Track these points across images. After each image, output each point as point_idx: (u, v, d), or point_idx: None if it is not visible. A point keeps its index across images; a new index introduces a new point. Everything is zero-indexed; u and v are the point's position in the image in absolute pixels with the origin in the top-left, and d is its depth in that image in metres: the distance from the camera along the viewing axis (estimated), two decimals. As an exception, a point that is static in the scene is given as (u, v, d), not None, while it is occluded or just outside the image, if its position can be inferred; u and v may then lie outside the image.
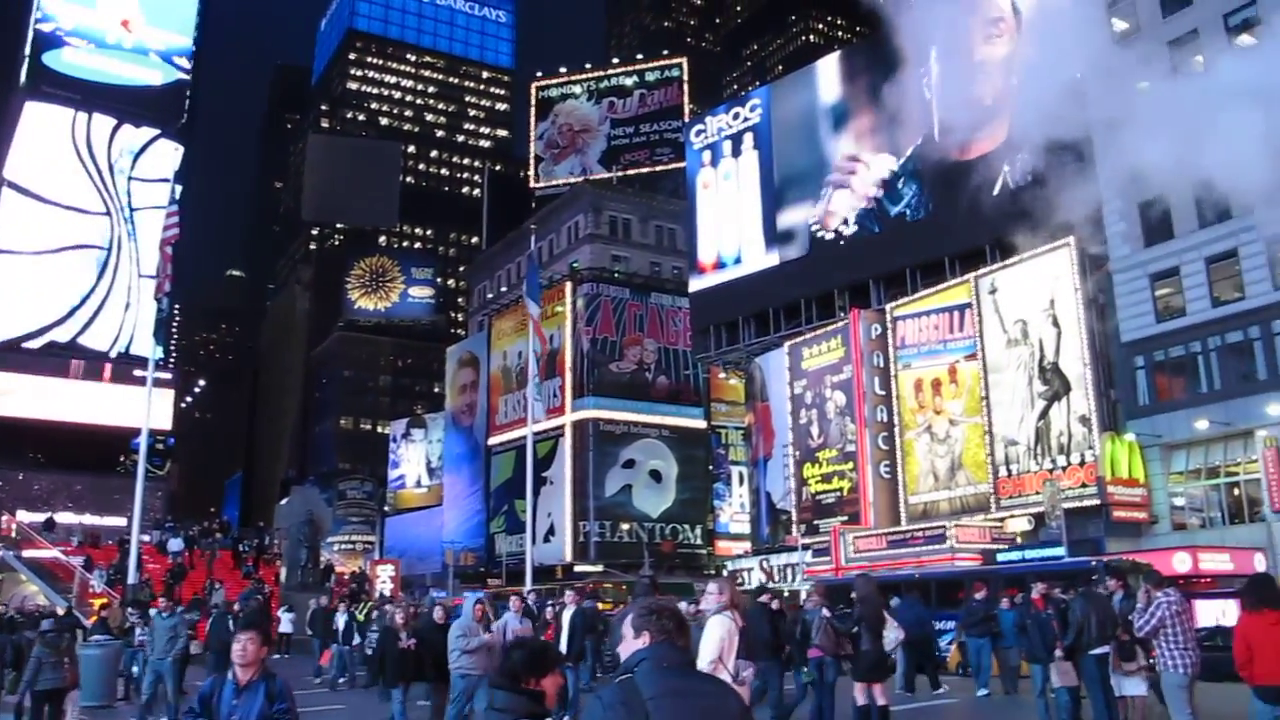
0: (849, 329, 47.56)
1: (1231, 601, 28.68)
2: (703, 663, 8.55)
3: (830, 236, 53.25)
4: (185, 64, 71.20)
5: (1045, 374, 40.37)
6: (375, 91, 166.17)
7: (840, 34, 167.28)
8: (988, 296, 42.77)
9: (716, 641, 8.83)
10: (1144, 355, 39.64)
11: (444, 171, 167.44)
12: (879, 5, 46.15)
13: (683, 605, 11.44)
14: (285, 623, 35.08)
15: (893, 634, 14.03)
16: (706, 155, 62.06)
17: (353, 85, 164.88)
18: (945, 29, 42.98)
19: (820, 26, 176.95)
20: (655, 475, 67.02)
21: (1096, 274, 40.77)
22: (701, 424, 66.82)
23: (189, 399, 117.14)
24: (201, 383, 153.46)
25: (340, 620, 27.19)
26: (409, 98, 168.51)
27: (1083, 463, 38.65)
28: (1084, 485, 38.33)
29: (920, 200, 49.36)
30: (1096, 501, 37.90)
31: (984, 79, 45.59)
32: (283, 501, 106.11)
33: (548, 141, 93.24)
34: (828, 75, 56.61)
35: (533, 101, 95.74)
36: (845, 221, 52.71)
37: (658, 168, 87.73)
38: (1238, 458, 37.18)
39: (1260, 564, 34.19)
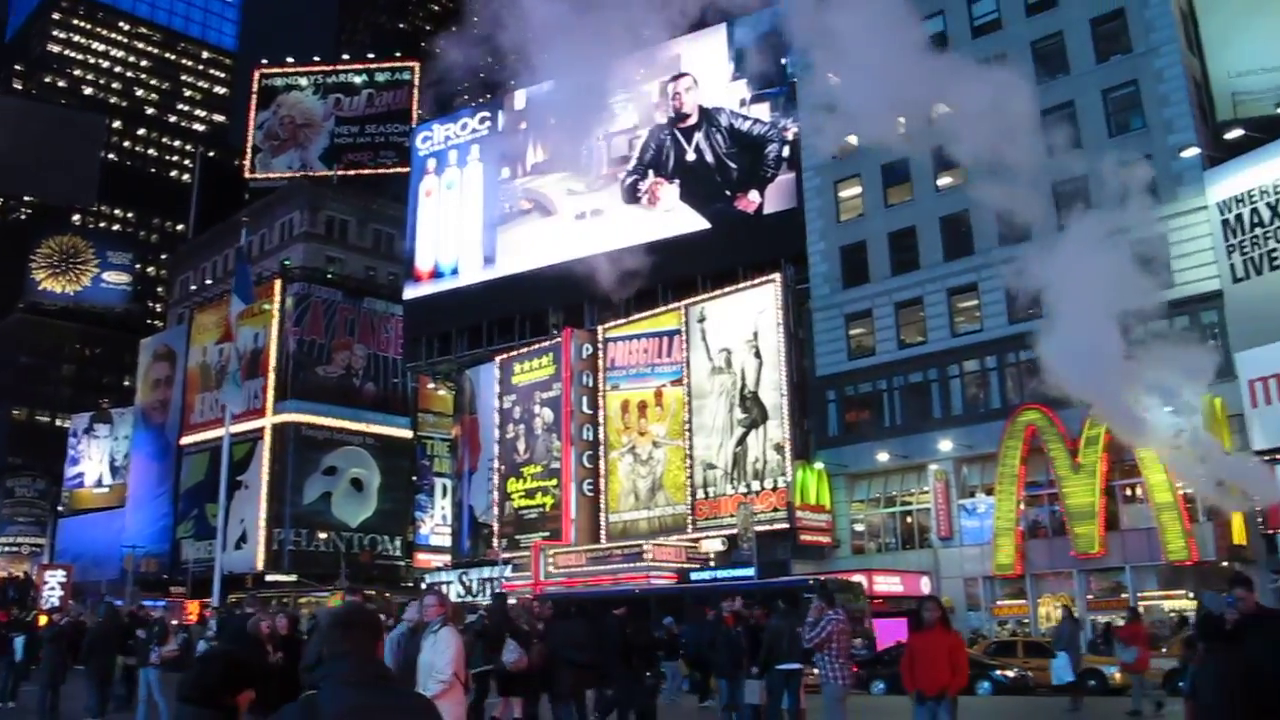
0: (561, 347, 48.01)
1: (900, 619, 30.89)
2: (445, 675, 8.45)
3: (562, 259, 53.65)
4: None
5: (745, 402, 42.07)
6: (80, 58, 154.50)
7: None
8: (696, 325, 44.20)
9: (453, 655, 8.64)
10: (835, 389, 42.02)
11: (151, 152, 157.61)
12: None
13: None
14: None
15: (511, 654, 13.63)
16: (432, 163, 61.32)
17: (54, 48, 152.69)
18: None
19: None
20: (357, 484, 65.24)
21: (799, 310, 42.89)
22: (408, 434, 65.64)
23: None
24: None
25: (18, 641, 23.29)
26: (118, 69, 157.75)
27: (775, 488, 40.48)
28: (775, 510, 40.15)
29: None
30: (786, 525, 39.77)
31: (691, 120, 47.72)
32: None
33: (267, 132, 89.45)
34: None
35: (255, 89, 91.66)
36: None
37: (381, 170, 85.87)
38: (912, 489, 39.98)
39: (926, 586, 36.89)
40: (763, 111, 47.54)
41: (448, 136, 60.93)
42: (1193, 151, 34.83)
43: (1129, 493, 34.80)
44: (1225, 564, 31.19)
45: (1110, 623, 30.27)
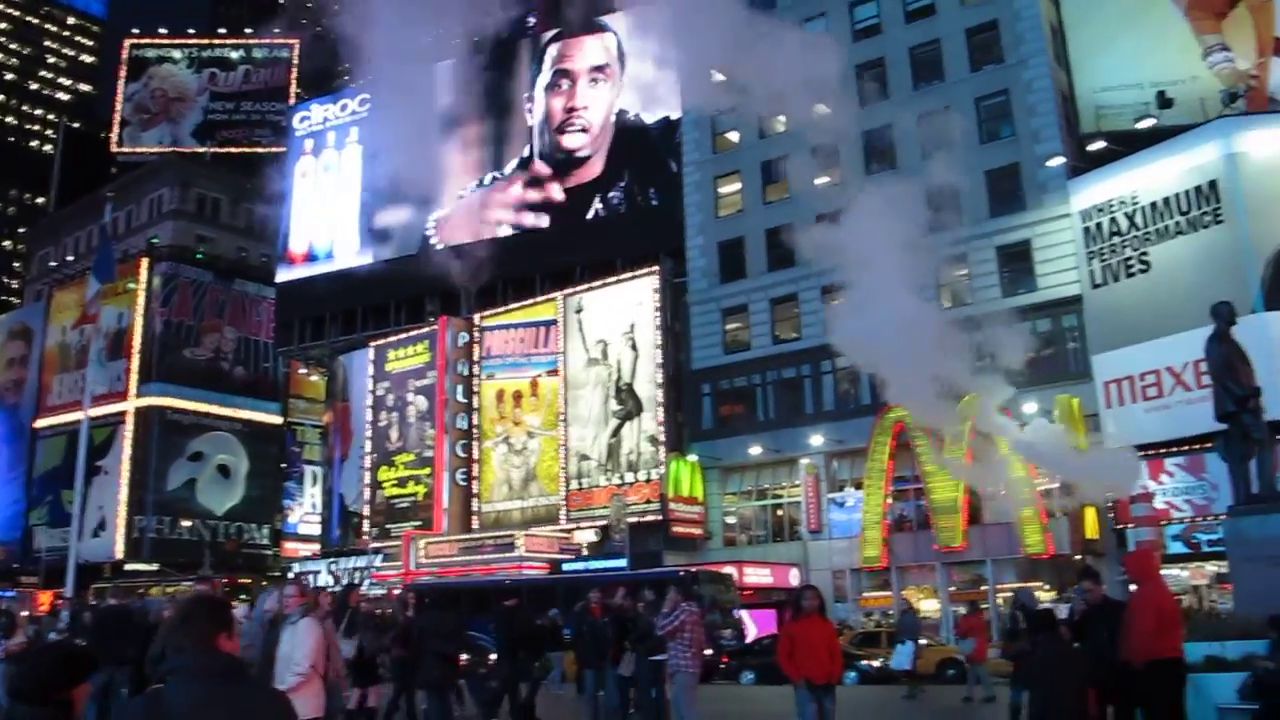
0: (436, 335, 47.51)
1: (770, 611, 31.38)
2: (303, 668, 8.25)
3: (439, 244, 53.16)
4: None
5: (621, 394, 42.22)
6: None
7: (458, 41, 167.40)
8: (574, 315, 44.19)
9: (312, 647, 8.42)
10: (710, 383, 42.41)
11: (10, 120, 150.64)
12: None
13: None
14: None
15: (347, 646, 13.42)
16: (309, 143, 60.06)
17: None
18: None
19: (441, 31, 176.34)
20: (223, 470, 63.60)
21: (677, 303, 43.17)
22: (278, 419, 64.12)
23: None
24: None
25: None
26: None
27: (649, 480, 40.72)
28: (649, 501, 40.40)
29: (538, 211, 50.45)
30: (659, 517, 40.03)
31: (589, 116, 47.90)
32: None
33: (137, 105, 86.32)
34: (443, 79, 56.43)
35: (124, 59, 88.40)
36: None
37: (256, 149, 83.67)
38: (783, 482, 40.58)
39: (795, 578, 37.53)
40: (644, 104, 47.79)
41: (326, 117, 59.77)
42: (1058, 161, 36.08)
43: (992, 489, 35.84)
44: (1078, 557, 32.40)
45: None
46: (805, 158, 41.68)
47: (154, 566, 58.00)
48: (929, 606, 36.51)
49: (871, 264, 20.17)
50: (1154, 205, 33.71)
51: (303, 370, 62.18)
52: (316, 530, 57.74)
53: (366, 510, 49.59)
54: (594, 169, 48.78)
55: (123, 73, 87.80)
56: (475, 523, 45.41)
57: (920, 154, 39.36)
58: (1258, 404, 16.32)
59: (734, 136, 44.31)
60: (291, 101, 75.94)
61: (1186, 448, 31.46)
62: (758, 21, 43.71)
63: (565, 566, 39.29)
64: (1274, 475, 16.67)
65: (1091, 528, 33.49)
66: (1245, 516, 15.62)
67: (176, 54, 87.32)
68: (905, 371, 20.41)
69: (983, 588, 35.47)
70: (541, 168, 50.02)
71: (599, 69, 49.99)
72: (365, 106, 58.15)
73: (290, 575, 48.49)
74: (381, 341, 50.95)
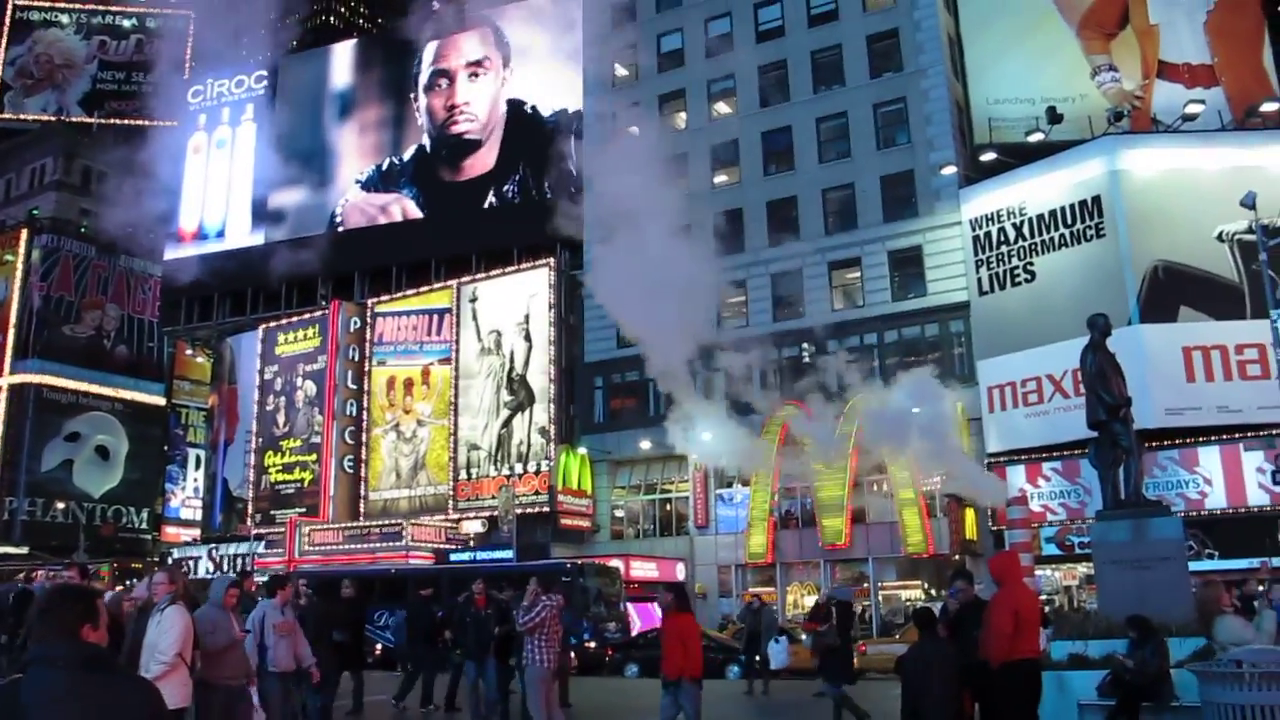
0: (328, 319, 46.69)
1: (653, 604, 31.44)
2: (167, 657, 8.08)
3: (341, 225, 52.41)
4: None
5: (513, 385, 41.98)
6: None
7: (362, 22, 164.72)
8: (468, 304, 43.80)
9: (178, 635, 8.20)
10: (603, 376, 42.43)
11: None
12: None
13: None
14: None
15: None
16: (202, 118, 58.66)
17: None
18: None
19: (343, 10, 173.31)
20: (102, 452, 61.62)
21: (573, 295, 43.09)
22: (160, 401, 62.38)
23: None
24: None
25: None
26: None
27: (538, 471, 40.58)
28: (537, 493, 40.25)
29: (418, 203, 49.92)
30: (547, 509, 39.94)
31: (473, 109, 47.89)
32: None
33: (20, 69, 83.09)
34: (342, 61, 55.60)
35: (7, 20, 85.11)
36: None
37: (146, 122, 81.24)
38: (672, 477, 40.76)
39: (680, 573, 37.76)
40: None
41: (221, 93, 58.40)
42: (951, 170, 36.85)
43: (876, 488, 36.51)
44: (957, 557, 33.16)
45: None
46: (704, 155, 42.12)
47: (24, 550, 55.99)
48: (811, 603, 37.01)
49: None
50: (1040, 217, 34.65)
51: (188, 351, 60.60)
52: (198, 515, 56.39)
53: (251, 496, 48.55)
54: (488, 159, 48.68)
55: (4, 34, 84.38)
56: (362, 510, 44.76)
57: (818, 156, 40.00)
58: (1128, 413, 16.84)
59: (635, 131, 44.37)
60: (186, 75, 73.84)
61: (1063, 453, 32.42)
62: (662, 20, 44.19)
63: (452, 557, 38.99)
64: (1140, 482, 17.24)
65: (971, 528, 34.33)
66: (1110, 521, 16.10)
67: (65, 19, 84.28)
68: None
69: (864, 585, 36.10)
70: (436, 160, 49.64)
71: (476, 63, 49.95)
72: (262, 85, 56.94)
73: (169, 560, 47.36)
74: (271, 324, 49.92)
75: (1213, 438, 31.89)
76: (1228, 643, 9.81)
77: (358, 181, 52.83)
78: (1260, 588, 14.41)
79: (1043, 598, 32.74)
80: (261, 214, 54.32)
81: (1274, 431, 29.33)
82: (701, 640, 11.40)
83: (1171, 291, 32.48)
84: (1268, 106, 35.55)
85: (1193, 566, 29.18)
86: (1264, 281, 22.48)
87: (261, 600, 12.28)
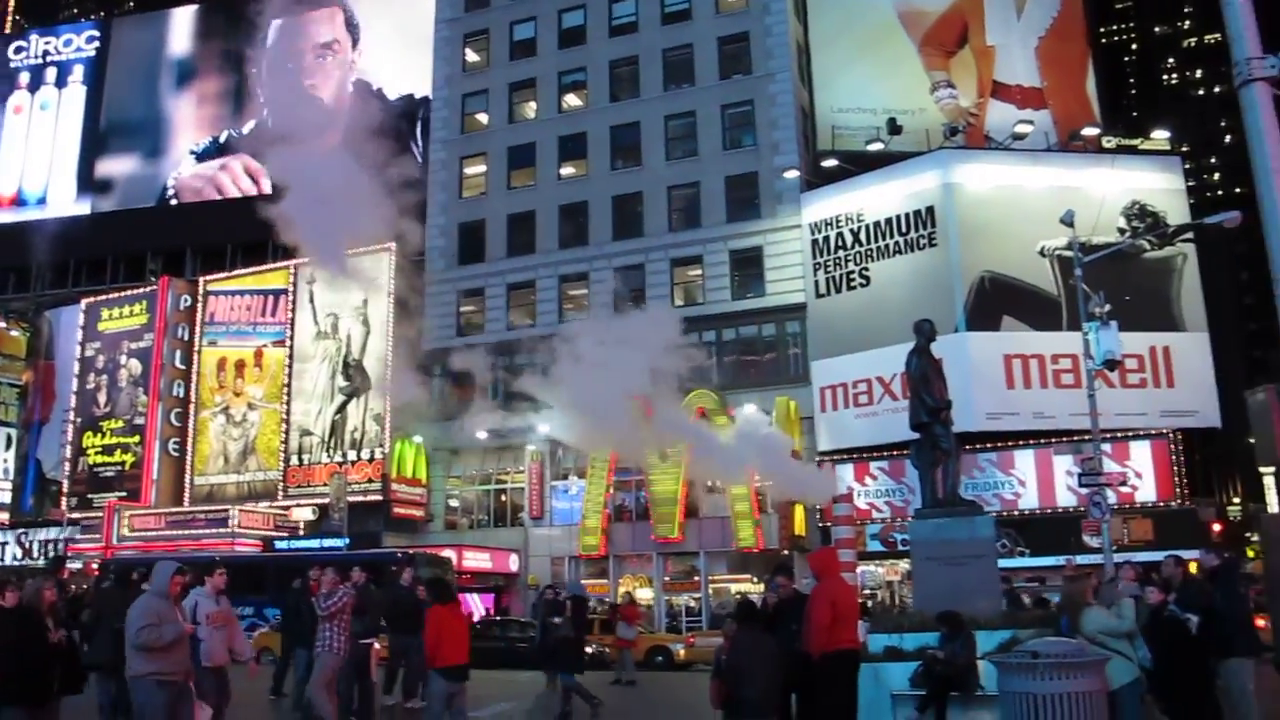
0: (157, 296, 44.87)
1: (488, 595, 31.26)
2: None
3: (174, 199, 50.38)
4: None
5: (349, 370, 41.14)
6: None
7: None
8: (305, 286, 42.69)
9: None
10: (442, 365, 41.85)
11: None
12: None
13: None
14: None
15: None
16: (25, 77, 55.56)
17: None
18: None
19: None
20: (-98, 427, 57.92)
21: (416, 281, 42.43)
22: (-30, 375, 59.05)
23: None
24: None
25: None
26: None
27: (372, 459, 39.86)
28: (370, 481, 39.54)
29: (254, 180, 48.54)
30: (380, 497, 39.25)
31: (317, 90, 47.00)
32: None
33: None
34: (181, 27, 53.51)
35: None
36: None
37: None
38: (509, 467, 40.50)
39: (514, 563, 37.64)
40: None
41: (47, 51, 55.43)
42: (793, 174, 37.63)
43: (710, 484, 36.98)
44: (786, 552, 33.90)
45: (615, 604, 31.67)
46: (552, 147, 42.02)
47: None
48: (644, 595, 37.37)
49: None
50: (877, 224, 35.69)
51: (2, 324, 57.37)
52: (7, 498, 53.43)
53: (66, 478, 46.28)
54: (331, 141, 47.54)
55: None
56: (187, 496, 43.19)
57: (666, 154, 40.33)
58: (948, 416, 17.49)
59: (483, 118, 44.00)
60: (7, 28, 70.01)
61: (890, 453, 33.47)
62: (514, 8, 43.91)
63: (278, 544, 37.97)
64: (957, 483, 17.91)
65: (800, 524, 35.13)
66: (927, 520, 16.70)
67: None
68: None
69: (695, 578, 36.61)
70: (274, 138, 48.27)
71: (325, 45, 48.85)
72: (93, 45, 54.35)
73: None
74: (95, 299, 47.67)
75: (1028, 442, 33.45)
76: (1095, 633, 10.30)
77: (193, 153, 50.95)
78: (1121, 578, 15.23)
79: (866, 592, 33.83)
80: (88, 182, 51.86)
81: (1083, 437, 30.90)
82: (469, 630, 11.12)
83: (996, 301, 33.88)
84: (1089, 131, 37.45)
85: (1004, 564, 30.64)
86: (1079, 296, 23.57)
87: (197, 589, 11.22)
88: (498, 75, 43.92)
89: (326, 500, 38.69)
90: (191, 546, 37.71)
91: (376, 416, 40.20)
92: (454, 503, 41.88)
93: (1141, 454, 33.30)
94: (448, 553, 34.39)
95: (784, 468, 29.70)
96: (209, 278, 45.59)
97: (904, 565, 33.08)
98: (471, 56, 45.15)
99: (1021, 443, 33.69)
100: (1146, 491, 33.06)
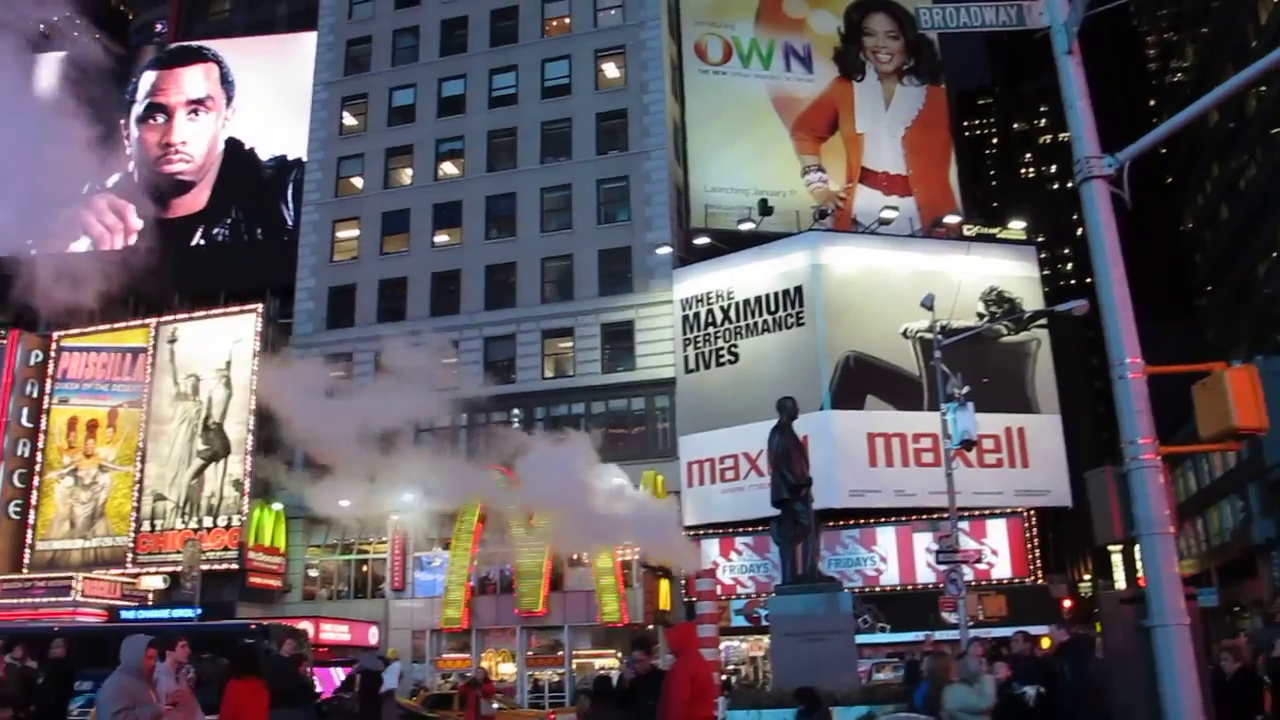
0: (4, 349, 42.98)
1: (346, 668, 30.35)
2: None
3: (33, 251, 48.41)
4: None
5: (209, 433, 39.92)
6: None
7: (75, 33, 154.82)
8: (166, 345, 41.44)
9: None
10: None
11: None
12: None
13: None
14: None
15: None
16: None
17: None
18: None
19: (55, 17, 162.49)
20: None
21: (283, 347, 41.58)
22: None
23: None
24: None
25: None
26: None
27: (229, 526, 38.64)
28: (226, 548, 38.27)
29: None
30: (235, 566, 37.98)
31: (190, 150, 46.28)
32: None
33: None
34: (48, 70, 51.95)
35: None
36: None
37: None
38: (371, 537, 39.61)
39: (374, 636, 36.65)
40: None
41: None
42: (666, 250, 38.12)
43: (576, 557, 36.71)
44: (650, 627, 33.75)
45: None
46: (427, 213, 41.89)
47: None
48: (506, 670, 36.78)
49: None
50: (747, 302, 36.31)
51: None
52: None
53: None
54: (199, 199, 46.75)
55: None
56: (26, 561, 41.08)
57: (540, 225, 40.51)
58: (809, 493, 17.78)
59: (358, 182, 43.63)
60: None
61: (755, 528, 33.74)
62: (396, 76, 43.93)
63: (125, 614, 36.38)
64: (816, 558, 18.18)
65: (665, 599, 35.09)
66: (786, 595, 16.85)
67: None
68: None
69: (559, 653, 36.16)
70: (140, 193, 47.07)
71: (198, 101, 48.08)
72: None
73: None
74: (-64, 351, 45.44)
75: (890, 519, 34.12)
76: (956, 710, 10.44)
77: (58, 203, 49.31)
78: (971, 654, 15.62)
79: (730, 668, 33.83)
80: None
81: (941, 515, 31.63)
82: (268, 708, 10.29)
83: (861, 380, 34.67)
84: (950, 219, 38.96)
85: (866, 639, 31.10)
86: (938, 377, 24.26)
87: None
88: (374, 140, 43.72)
89: (179, 568, 37.24)
90: (29, 616, 35.87)
91: (235, 482, 38.99)
92: (313, 572, 40.73)
93: (998, 532, 34.29)
94: (304, 624, 33.32)
95: (661, 533, 29.80)
96: (63, 333, 43.88)
97: (767, 640, 33.23)
98: (349, 120, 44.88)
99: (883, 520, 34.38)
100: (1002, 568, 33.98)
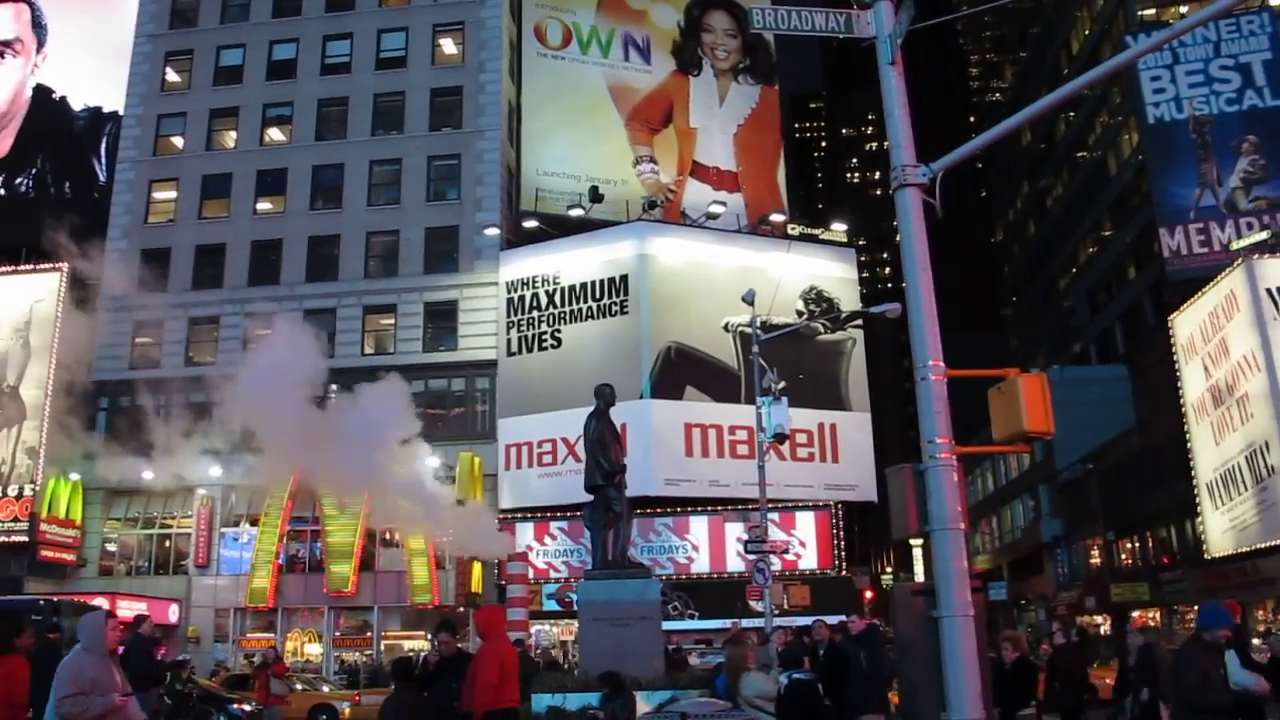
0: None
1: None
2: None
3: None
4: None
5: (3, 397, 37.82)
6: None
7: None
8: (-43, 302, 39.06)
9: None
10: (110, 398, 39.28)
11: None
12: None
13: None
14: None
15: None
16: None
17: None
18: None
19: None
20: None
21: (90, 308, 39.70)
22: None
23: None
24: None
25: None
26: None
27: (20, 496, 36.66)
28: (16, 520, 36.32)
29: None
30: (26, 539, 36.09)
31: None
32: None
33: None
34: None
35: None
36: None
37: None
38: (175, 512, 38.24)
39: (174, 614, 35.45)
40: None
41: None
42: (494, 231, 37.96)
43: (388, 537, 36.27)
44: (461, 609, 33.61)
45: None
46: (250, 179, 40.62)
47: None
48: (313, 650, 36.10)
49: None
50: (572, 288, 36.46)
51: None
52: None
53: None
54: (2, 146, 44.12)
55: None
56: None
57: (367, 199, 39.78)
58: (622, 480, 18.05)
59: (179, 142, 41.94)
60: None
61: (570, 514, 33.92)
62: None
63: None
64: (627, 545, 18.44)
65: (477, 581, 34.96)
66: (594, 581, 17.06)
67: None
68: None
69: (368, 634, 35.69)
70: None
71: (6, 44, 45.47)
72: None
73: None
74: None
75: (703, 508, 34.80)
76: (752, 697, 10.72)
77: None
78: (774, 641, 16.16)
79: (539, 652, 33.96)
80: None
81: (752, 506, 32.43)
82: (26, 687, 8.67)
83: (681, 371, 35.24)
84: (776, 217, 39.87)
85: (675, 625, 31.70)
86: (756, 371, 24.83)
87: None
88: (198, 99, 42.10)
89: (-40, 539, 35.27)
90: None
91: (29, 450, 37.03)
92: (111, 547, 39.04)
93: (806, 524, 35.38)
94: (99, 601, 31.97)
95: (469, 524, 29.64)
96: None
97: (577, 625, 33.53)
98: (172, 76, 43.09)
99: (697, 509, 35.03)
100: (809, 560, 35.09)
